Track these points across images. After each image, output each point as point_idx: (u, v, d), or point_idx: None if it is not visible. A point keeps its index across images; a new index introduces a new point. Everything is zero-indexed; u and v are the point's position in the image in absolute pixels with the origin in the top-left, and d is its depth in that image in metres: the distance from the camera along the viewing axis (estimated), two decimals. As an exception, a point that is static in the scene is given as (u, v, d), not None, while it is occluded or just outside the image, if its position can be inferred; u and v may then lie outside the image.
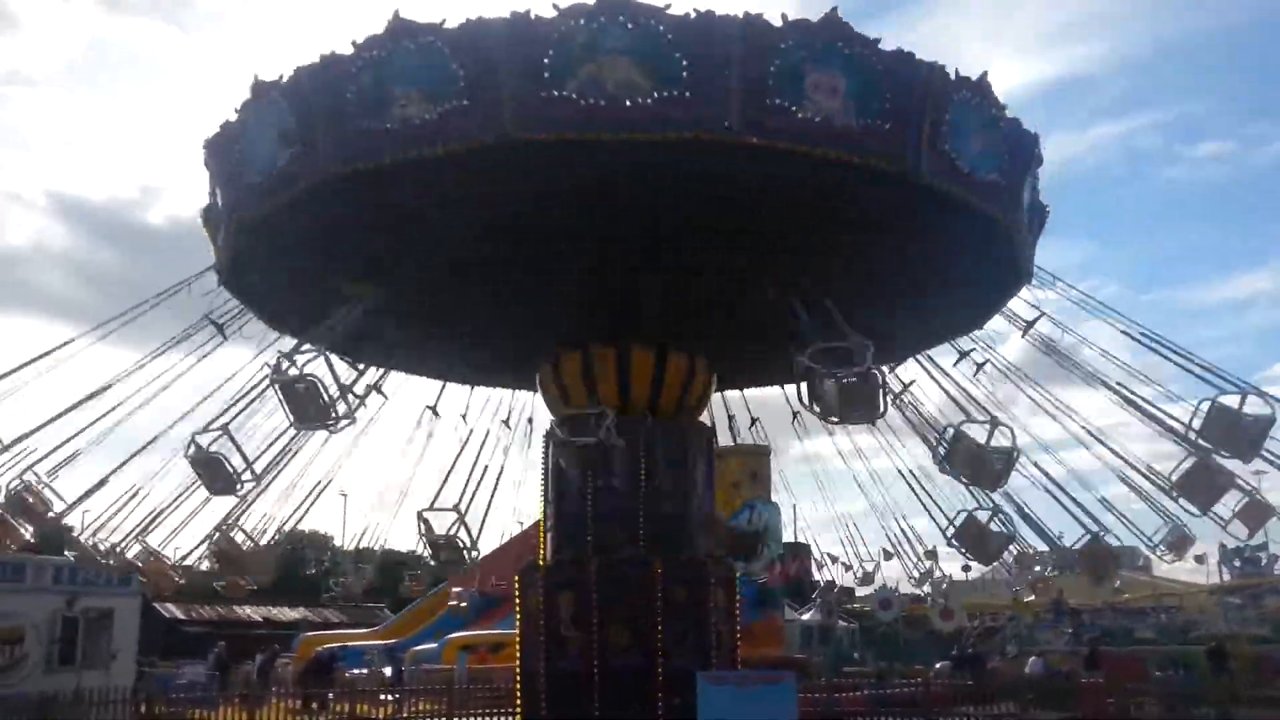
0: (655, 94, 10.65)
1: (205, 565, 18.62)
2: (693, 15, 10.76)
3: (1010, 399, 16.85)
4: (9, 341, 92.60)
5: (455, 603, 34.84)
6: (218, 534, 17.10)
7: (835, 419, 12.51)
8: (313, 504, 18.62)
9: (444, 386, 19.17)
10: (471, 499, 16.50)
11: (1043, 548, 19.15)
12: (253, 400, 14.76)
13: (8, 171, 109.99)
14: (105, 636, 21.16)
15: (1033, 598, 28.92)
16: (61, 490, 15.44)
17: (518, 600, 15.84)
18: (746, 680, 13.52)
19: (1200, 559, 45.41)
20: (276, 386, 12.25)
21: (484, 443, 18.54)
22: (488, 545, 36.21)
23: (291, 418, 12.53)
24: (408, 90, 11.07)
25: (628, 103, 10.66)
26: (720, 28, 10.82)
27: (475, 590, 34.50)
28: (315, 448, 16.97)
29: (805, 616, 36.71)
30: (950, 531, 15.49)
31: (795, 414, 19.24)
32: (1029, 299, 15.36)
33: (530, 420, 19.31)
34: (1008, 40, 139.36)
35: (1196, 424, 13.65)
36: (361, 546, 28.65)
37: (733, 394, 20.15)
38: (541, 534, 16.17)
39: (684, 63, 10.70)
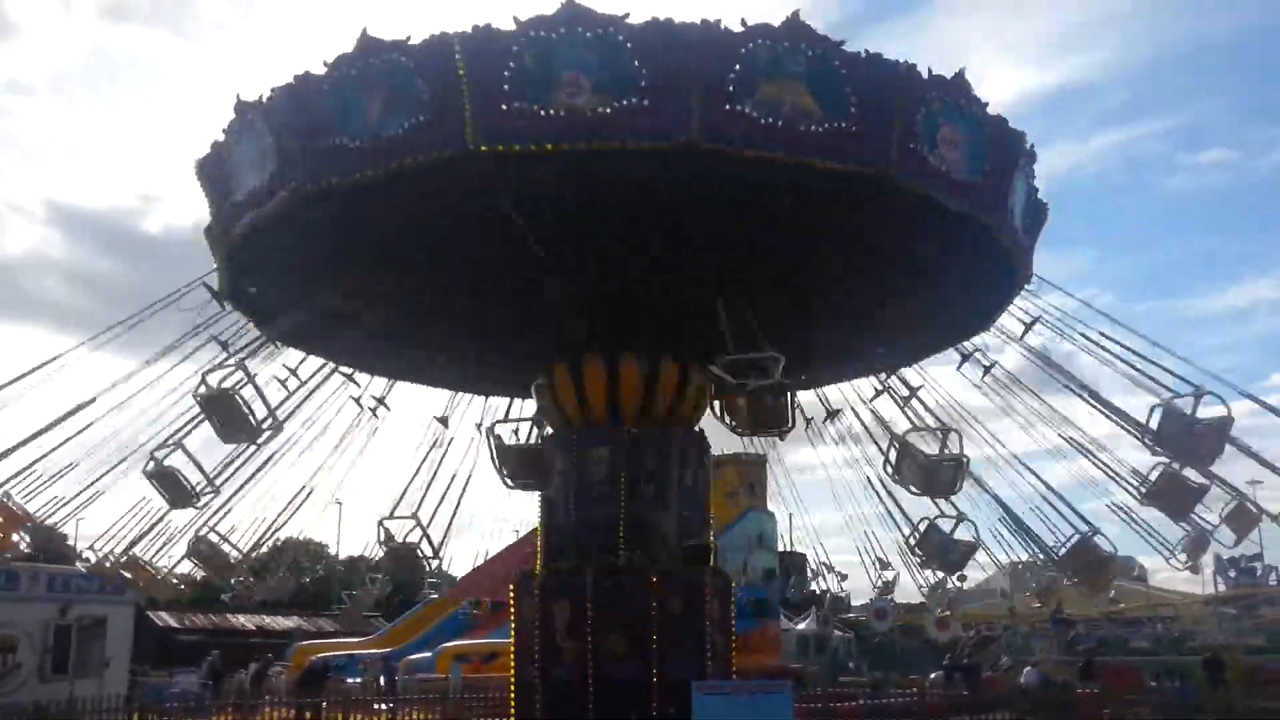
0: (616, 103, 10.69)
1: (192, 572, 18.60)
2: (650, 23, 10.75)
3: (1008, 407, 16.80)
4: (8, 350, 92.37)
5: (471, 610, 34.84)
6: (196, 538, 17.11)
7: (746, 431, 12.46)
8: (296, 511, 18.59)
9: (454, 396, 19.10)
10: (456, 508, 16.52)
11: (1038, 557, 19.04)
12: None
13: (6, 180, 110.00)
14: (98, 645, 21.12)
15: (1039, 605, 28.79)
16: (54, 500, 15.40)
17: (512, 609, 15.82)
18: (742, 690, 13.48)
19: (1195, 569, 45.32)
20: (198, 403, 12.38)
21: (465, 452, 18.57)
22: (495, 551, 36.53)
23: (219, 432, 12.71)
24: (375, 107, 11.20)
25: (589, 113, 10.71)
26: (680, 35, 10.82)
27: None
28: (311, 458, 17.00)
29: (801, 626, 36.68)
30: (913, 540, 15.47)
31: (808, 421, 18.44)
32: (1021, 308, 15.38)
33: (535, 427, 19.31)
34: (1010, 50, 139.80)
35: (1157, 429, 13.33)
36: (359, 555, 28.54)
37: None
38: (540, 542, 16.13)
39: (643, 71, 10.73)
